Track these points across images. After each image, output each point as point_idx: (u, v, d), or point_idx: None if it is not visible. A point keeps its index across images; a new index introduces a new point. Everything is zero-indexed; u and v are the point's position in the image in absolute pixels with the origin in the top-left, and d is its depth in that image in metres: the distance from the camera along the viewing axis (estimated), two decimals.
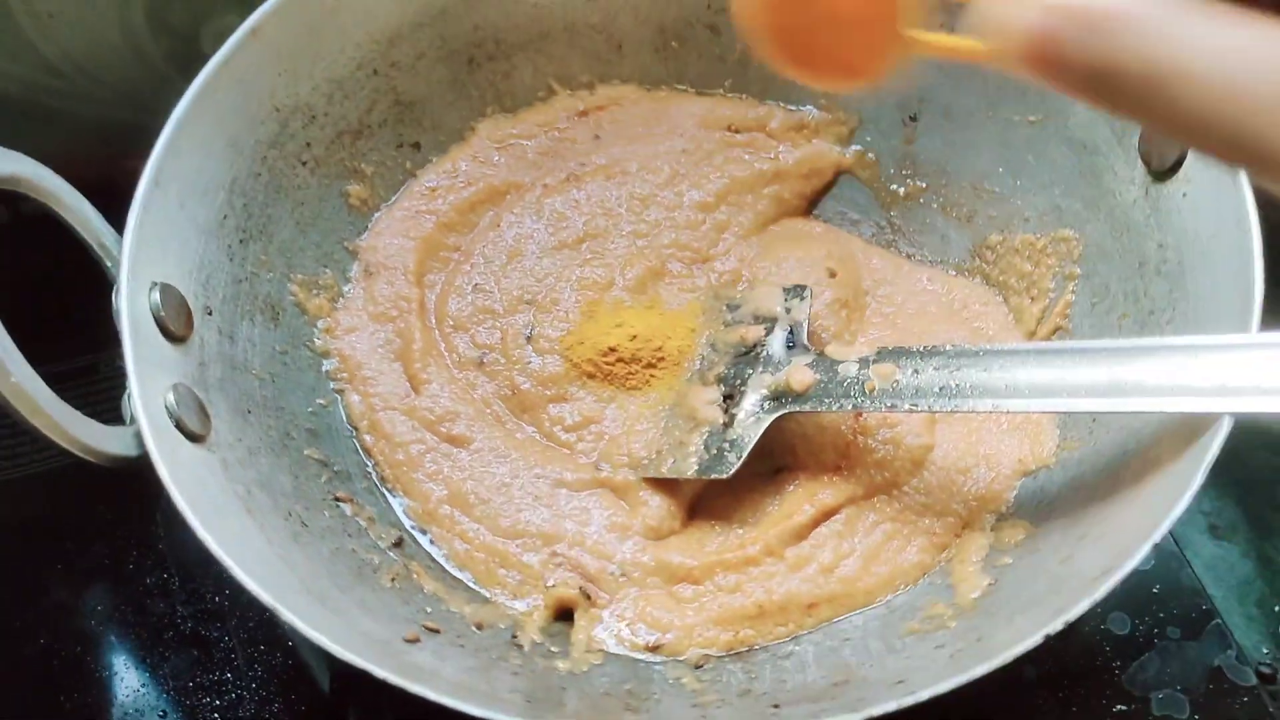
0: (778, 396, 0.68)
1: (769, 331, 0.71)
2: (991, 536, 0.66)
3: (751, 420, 0.68)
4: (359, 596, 0.60)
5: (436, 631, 0.61)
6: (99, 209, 0.64)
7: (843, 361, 0.67)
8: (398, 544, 0.67)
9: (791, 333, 0.71)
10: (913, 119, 0.79)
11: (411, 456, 0.70)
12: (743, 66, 0.83)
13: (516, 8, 0.79)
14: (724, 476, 0.67)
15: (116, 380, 0.82)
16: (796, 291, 0.73)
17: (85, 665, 0.74)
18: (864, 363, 0.66)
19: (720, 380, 0.71)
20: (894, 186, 0.81)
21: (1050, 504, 0.65)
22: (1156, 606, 0.74)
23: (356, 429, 0.72)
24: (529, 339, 0.75)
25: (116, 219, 0.63)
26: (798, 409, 0.67)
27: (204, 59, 0.88)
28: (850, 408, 0.66)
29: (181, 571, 0.77)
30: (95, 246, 0.62)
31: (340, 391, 0.73)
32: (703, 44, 0.82)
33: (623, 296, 0.76)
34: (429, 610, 0.63)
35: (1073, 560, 0.57)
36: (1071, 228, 0.72)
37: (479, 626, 0.63)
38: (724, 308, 0.75)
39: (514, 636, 0.64)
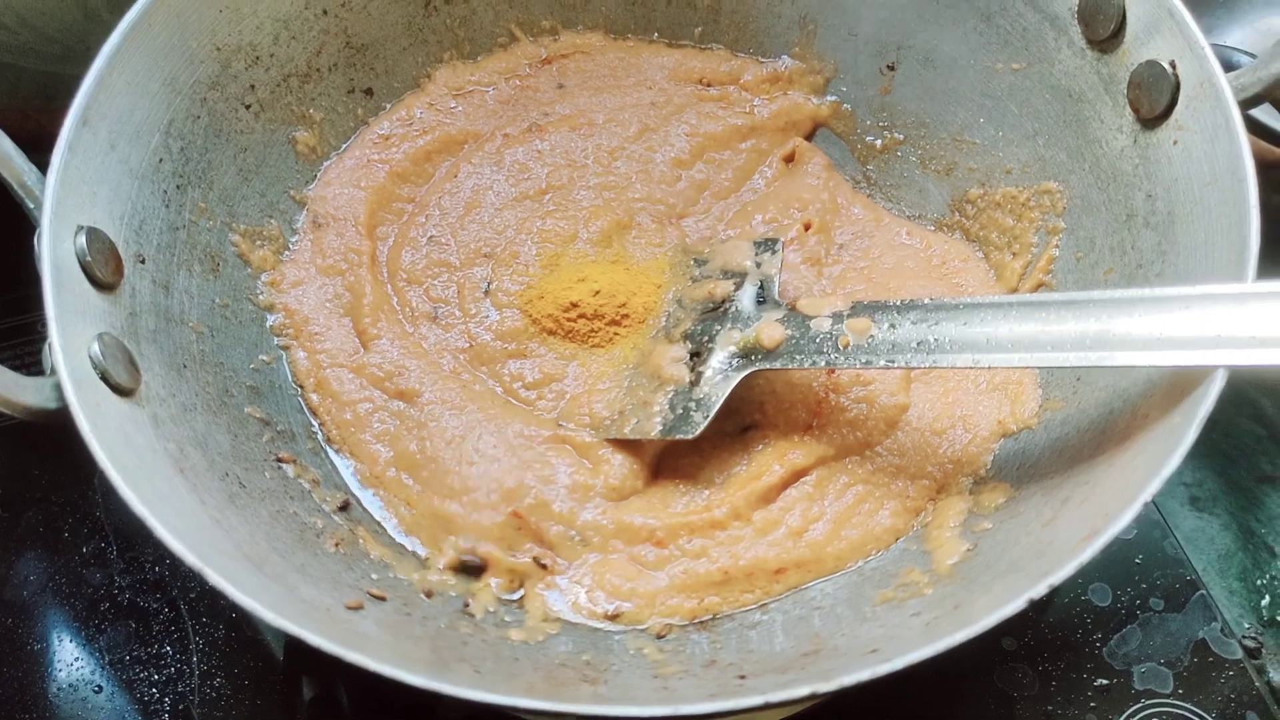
0: (747, 354, 0.65)
1: (738, 286, 0.68)
2: (970, 500, 0.63)
3: (719, 378, 0.64)
4: (299, 562, 0.56)
5: (382, 599, 0.57)
6: (37, 164, 0.60)
7: (815, 317, 0.64)
8: (343, 508, 0.64)
9: (762, 287, 0.68)
10: (890, 68, 0.76)
11: (359, 416, 0.67)
12: (714, 14, 0.79)
13: None
14: (690, 437, 0.64)
15: (39, 331, 0.80)
16: (767, 245, 0.70)
17: (17, 637, 0.71)
18: (838, 317, 0.63)
19: (687, 337, 0.67)
20: (870, 139, 0.78)
21: (1032, 466, 0.62)
22: (1139, 577, 0.72)
23: (302, 387, 0.68)
24: (486, 293, 0.71)
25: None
26: (768, 366, 0.64)
27: None
28: (823, 364, 0.62)
29: (120, 540, 0.75)
30: (16, 186, 0.58)
31: (286, 348, 0.69)
32: None
33: (587, 250, 0.73)
34: (374, 577, 0.59)
35: (1056, 523, 0.54)
36: (1055, 180, 0.69)
37: (428, 594, 0.60)
38: (691, 262, 0.72)
39: (466, 605, 0.60)
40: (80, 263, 0.56)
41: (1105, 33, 0.63)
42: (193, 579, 0.71)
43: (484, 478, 0.63)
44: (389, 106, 0.77)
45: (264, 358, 0.68)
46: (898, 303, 0.61)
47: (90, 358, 0.54)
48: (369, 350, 0.69)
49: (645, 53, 0.80)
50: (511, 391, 0.69)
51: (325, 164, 0.75)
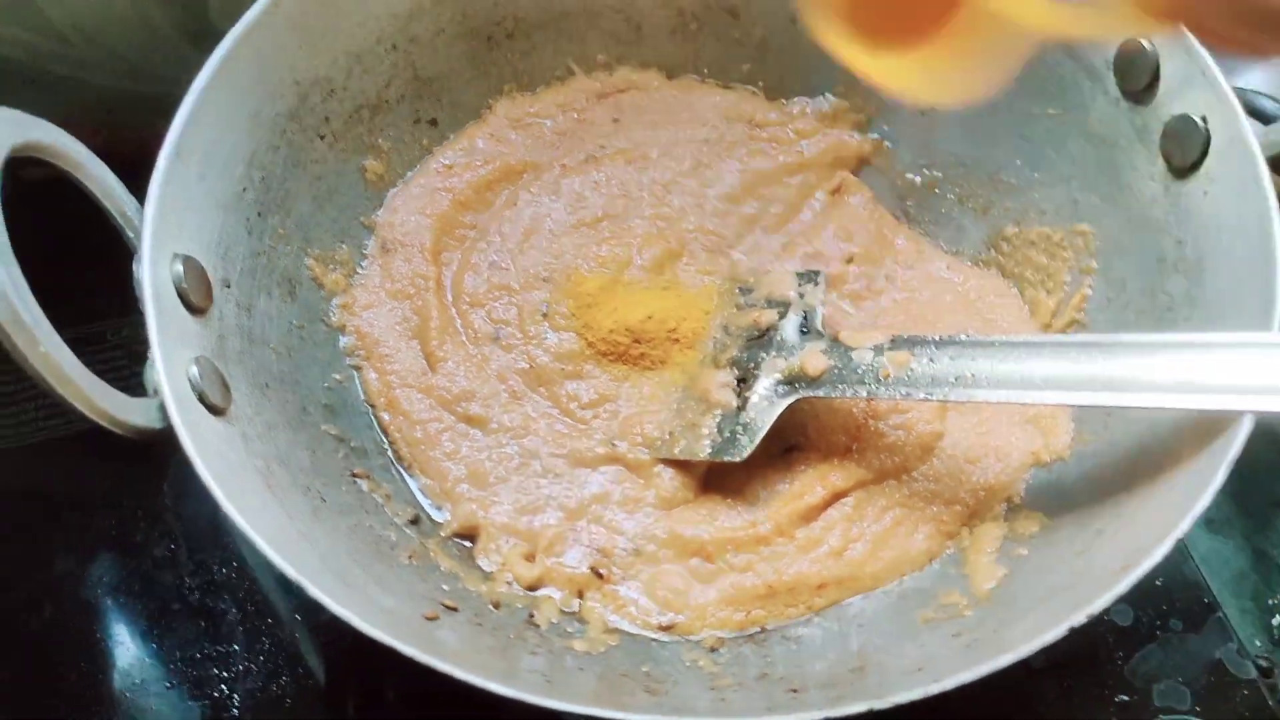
0: (791, 381, 0.68)
1: (782, 316, 0.72)
2: (1006, 527, 0.66)
3: (765, 404, 0.68)
4: (378, 574, 0.60)
5: (454, 610, 0.61)
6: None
7: (857, 349, 0.68)
8: (414, 521, 0.67)
9: (805, 318, 0.71)
10: (930, 108, 0.79)
11: (429, 434, 0.70)
12: (761, 51, 0.82)
13: None
14: (737, 460, 0.67)
15: (124, 348, 0.84)
16: (809, 276, 0.74)
17: (91, 636, 0.74)
18: (878, 350, 0.67)
19: (733, 363, 0.71)
20: (910, 176, 0.82)
21: (1065, 497, 0.65)
22: (1160, 598, 0.75)
23: (373, 406, 0.72)
24: (545, 315, 0.75)
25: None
26: (811, 394, 0.68)
27: (213, 29, 0.88)
28: (864, 394, 0.66)
29: (189, 543, 0.77)
30: (116, 215, 0.61)
31: (357, 368, 0.73)
32: (721, 27, 0.82)
33: (640, 276, 0.76)
34: (445, 588, 0.63)
35: (1090, 553, 0.58)
36: (1089, 221, 0.72)
37: (496, 605, 0.64)
38: (737, 290, 0.75)
39: (530, 616, 0.64)
40: (177, 289, 0.60)
41: (1140, 85, 0.67)
42: (258, 583, 0.75)
43: (547, 500, 0.67)
44: (452, 137, 0.81)
45: (337, 376, 0.72)
46: (936, 338, 0.65)
47: (189, 380, 0.57)
48: (436, 372, 0.72)
49: (698, 91, 0.84)
50: (568, 411, 0.72)
51: (392, 191, 0.78)
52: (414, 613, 0.58)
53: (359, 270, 0.76)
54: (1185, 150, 0.64)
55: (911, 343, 0.66)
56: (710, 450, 0.68)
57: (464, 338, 0.74)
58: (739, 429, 0.68)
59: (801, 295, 0.73)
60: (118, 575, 0.76)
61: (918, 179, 0.81)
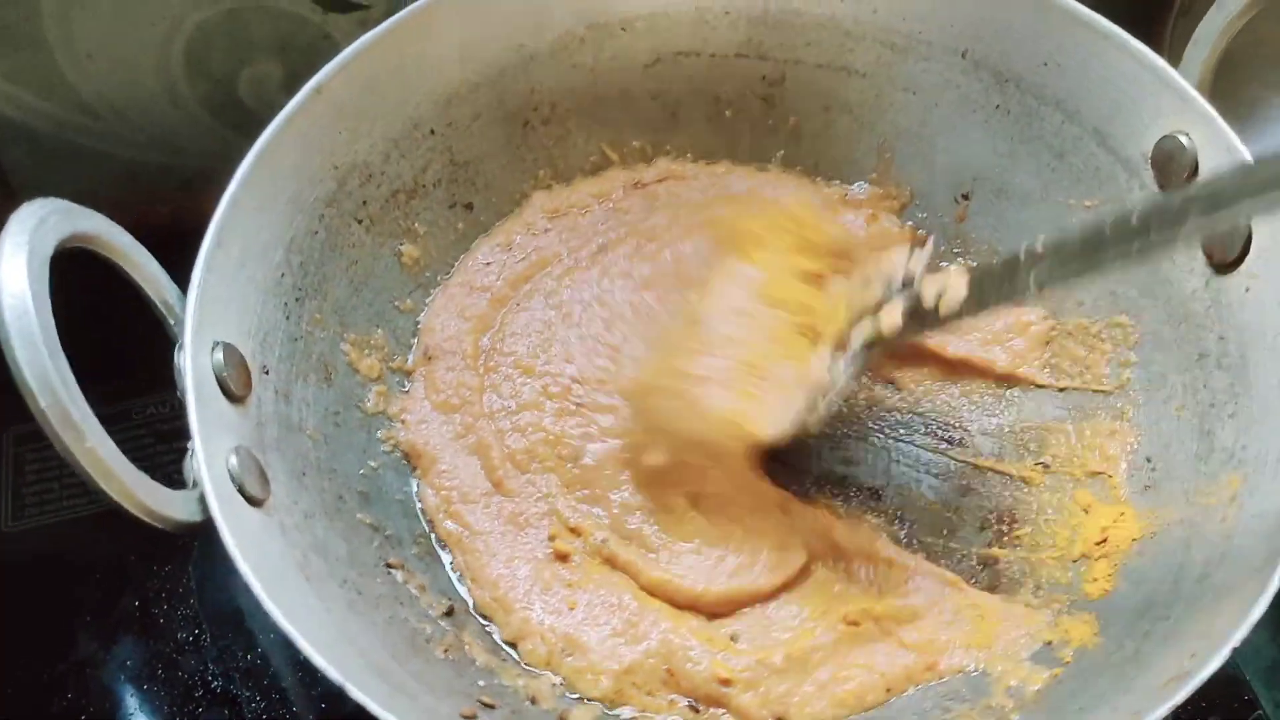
0: (870, 344, 0.69)
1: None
2: (1052, 629, 0.65)
3: (847, 367, 0.69)
4: (415, 669, 0.59)
5: (492, 707, 0.60)
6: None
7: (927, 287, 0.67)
8: (449, 613, 0.66)
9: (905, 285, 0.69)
10: (965, 197, 0.79)
11: (491, 546, 0.70)
12: (794, 139, 0.83)
13: (573, 73, 0.79)
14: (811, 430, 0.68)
15: (149, 427, 0.83)
16: (918, 243, 0.72)
17: None
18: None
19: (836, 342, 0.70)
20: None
21: (1112, 595, 0.64)
22: (1199, 695, 0.73)
23: (433, 521, 0.71)
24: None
25: None
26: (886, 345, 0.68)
27: (240, 105, 0.90)
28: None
29: (214, 627, 0.77)
30: (159, 304, 0.61)
31: (415, 479, 0.73)
32: (756, 115, 0.83)
33: None
34: (481, 684, 0.62)
35: (1139, 657, 0.57)
36: (1127, 314, 0.72)
37: (533, 701, 0.63)
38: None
39: (561, 716, 0.63)
40: (217, 377, 0.59)
41: (1178, 180, 0.67)
42: (283, 669, 0.74)
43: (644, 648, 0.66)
44: (492, 228, 0.81)
45: (372, 464, 0.71)
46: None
47: (229, 471, 0.57)
48: (505, 494, 0.71)
49: (738, 173, 0.84)
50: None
51: (435, 291, 0.79)
52: (452, 710, 0.57)
53: (408, 379, 0.76)
54: (1227, 247, 0.64)
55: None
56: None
57: (536, 464, 0.73)
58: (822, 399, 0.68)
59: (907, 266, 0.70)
60: (140, 659, 0.76)
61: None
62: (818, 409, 0.68)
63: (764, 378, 0.68)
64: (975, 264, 0.68)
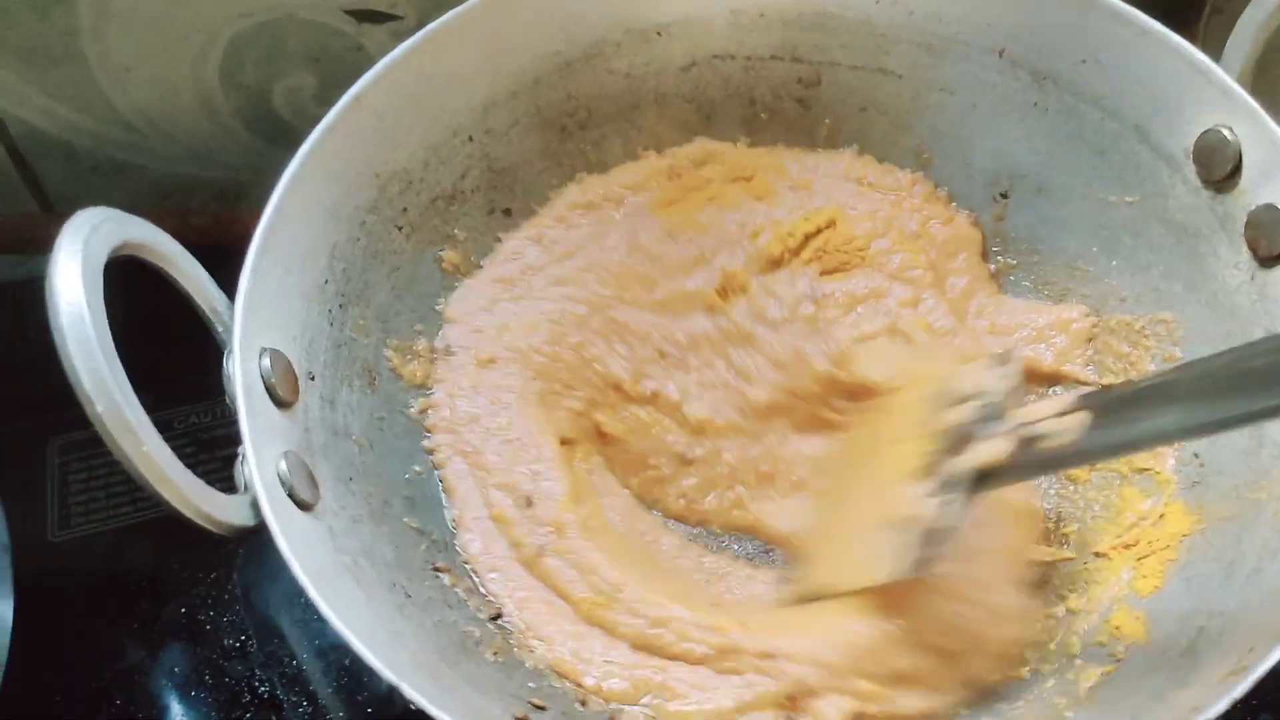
0: (980, 478, 0.61)
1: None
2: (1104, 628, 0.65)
3: (952, 505, 0.61)
4: (465, 671, 0.59)
5: (543, 709, 0.60)
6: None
7: (1038, 421, 0.60)
8: (496, 617, 0.66)
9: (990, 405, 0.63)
10: (1004, 195, 0.79)
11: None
12: (831, 141, 0.83)
13: (609, 78, 0.80)
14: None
15: (190, 435, 0.84)
16: (1001, 359, 0.66)
17: None
18: (1061, 416, 0.59)
19: (927, 471, 0.63)
20: (985, 262, 0.81)
21: (1161, 591, 0.64)
22: (1249, 693, 0.73)
23: (477, 572, 0.69)
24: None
25: None
26: (999, 484, 0.61)
27: (275, 116, 0.91)
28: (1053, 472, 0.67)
29: (259, 633, 0.77)
30: (207, 311, 0.62)
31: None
32: (791, 118, 0.83)
33: None
34: (532, 685, 0.62)
35: (1194, 652, 0.57)
36: (1171, 310, 0.71)
37: (583, 703, 0.63)
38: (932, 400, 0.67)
39: (611, 718, 0.63)
40: (265, 384, 0.60)
41: (1221, 174, 0.66)
42: (329, 674, 0.74)
43: None
44: (522, 225, 0.81)
45: (417, 469, 0.71)
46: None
47: (279, 475, 0.57)
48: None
49: (789, 154, 0.84)
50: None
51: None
52: (504, 712, 0.57)
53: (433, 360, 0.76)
54: (1272, 239, 0.64)
55: (1096, 400, 0.58)
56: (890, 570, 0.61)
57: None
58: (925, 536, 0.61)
59: (993, 383, 0.64)
60: (187, 666, 0.76)
61: (992, 265, 0.81)
62: (936, 545, 0.60)
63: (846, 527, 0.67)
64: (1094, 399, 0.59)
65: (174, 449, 0.80)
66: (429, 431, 0.73)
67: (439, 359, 0.75)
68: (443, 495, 0.71)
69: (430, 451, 0.72)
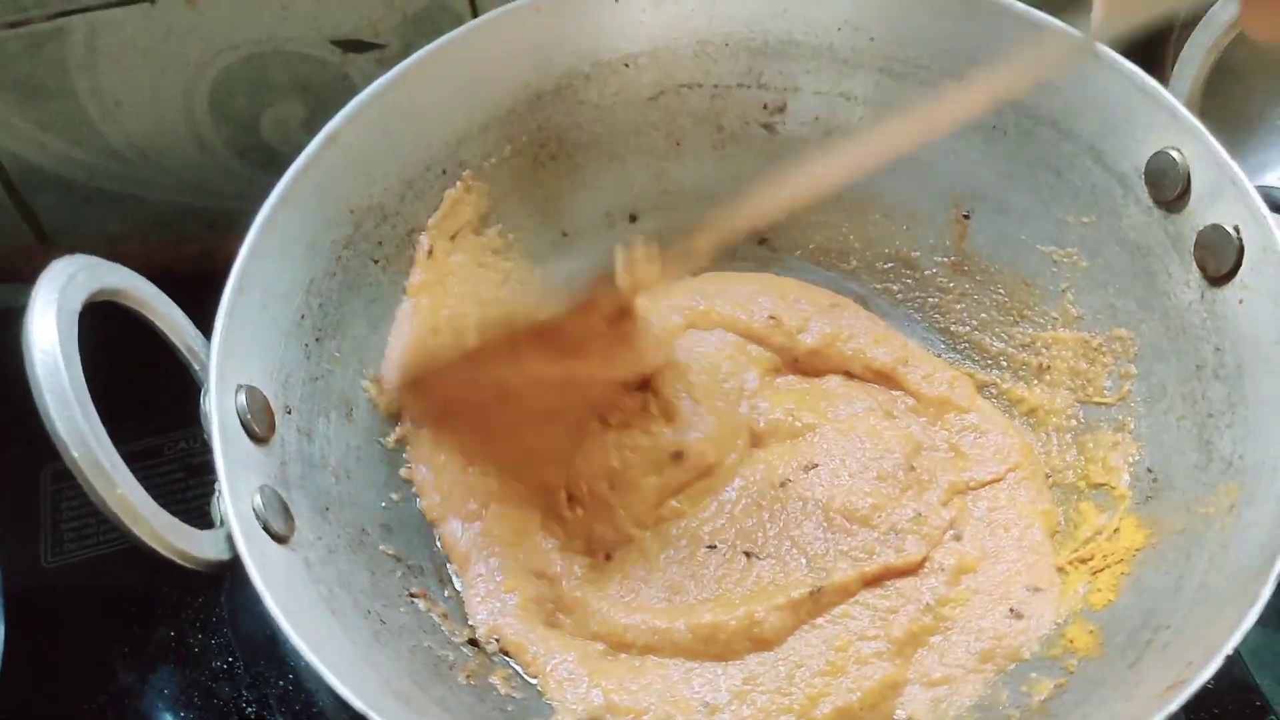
0: None
1: None
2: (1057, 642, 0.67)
3: None
4: (438, 695, 0.61)
5: None
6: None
7: None
8: (472, 641, 0.68)
9: None
10: (966, 216, 0.81)
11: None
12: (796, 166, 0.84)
13: (580, 109, 0.81)
14: None
15: (180, 461, 0.86)
16: None
17: None
18: None
19: None
20: (942, 280, 0.83)
21: (1114, 606, 0.66)
22: (1209, 703, 0.74)
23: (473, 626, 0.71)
24: None
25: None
26: None
27: (264, 145, 0.92)
28: None
29: (246, 656, 0.78)
30: (184, 351, 0.64)
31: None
32: (759, 144, 0.84)
33: None
34: (508, 709, 0.64)
35: (1140, 665, 0.58)
36: (1126, 327, 0.73)
37: None
38: None
39: None
40: (240, 420, 0.61)
41: (1171, 195, 0.68)
42: (315, 696, 0.76)
43: None
44: None
45: (394, 496, 0.73)
46: None
47: (254, 510, 0.59)
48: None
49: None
50: None
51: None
52: None
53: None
54: (1219, 259, 0.65)
55: None
56: None
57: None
58: None
59: None
60: (177, 688, 0.77)
61: (952, 284, 0.83)
62: None
63: None
64: None
65: (165, 475, 0.84)
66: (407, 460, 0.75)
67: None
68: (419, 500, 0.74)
69: (408, 480, 0.74)
